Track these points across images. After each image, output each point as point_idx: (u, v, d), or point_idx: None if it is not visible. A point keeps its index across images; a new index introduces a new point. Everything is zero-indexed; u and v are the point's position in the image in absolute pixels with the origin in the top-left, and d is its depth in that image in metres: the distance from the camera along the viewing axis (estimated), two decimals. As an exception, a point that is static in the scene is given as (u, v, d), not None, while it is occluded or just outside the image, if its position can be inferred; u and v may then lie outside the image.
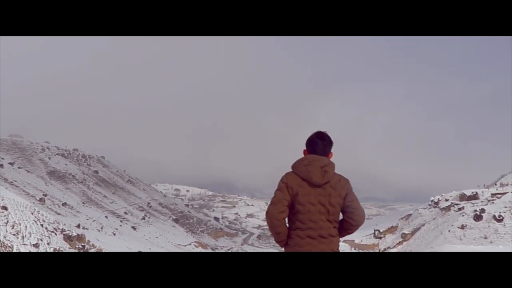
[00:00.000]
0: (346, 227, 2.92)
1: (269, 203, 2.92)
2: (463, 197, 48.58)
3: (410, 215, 54.87)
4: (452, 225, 42.24)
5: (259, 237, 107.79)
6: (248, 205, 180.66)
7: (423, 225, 48.25)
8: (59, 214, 53.33)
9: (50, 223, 32.74)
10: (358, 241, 52.73)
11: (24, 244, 25.17)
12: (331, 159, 2.96)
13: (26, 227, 27.81)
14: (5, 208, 28.24)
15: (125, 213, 75.68)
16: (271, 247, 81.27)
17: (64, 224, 36.92)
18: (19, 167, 70.18)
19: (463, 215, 42.91)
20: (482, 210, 42.18)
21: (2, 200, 29.28)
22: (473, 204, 45.62)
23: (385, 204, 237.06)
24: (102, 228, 57.29)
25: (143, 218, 77.47)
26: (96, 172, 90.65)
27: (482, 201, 45.91)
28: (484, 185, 57.54)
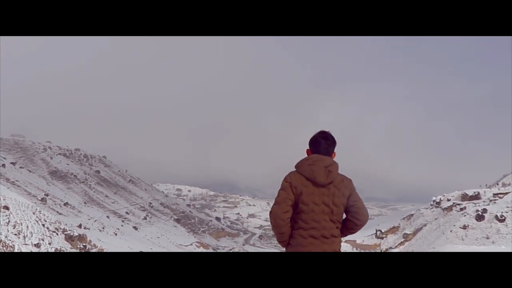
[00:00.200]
0: (349, 227, 2.92)
1: (271, 203, 2.91)
2: (465, 197, 48.52)
3: (412, 215, 54.84)
4: (454, 225, 42.17)
5: (260, 237, 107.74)
6: (249, 205, 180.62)
7: (425, 225, 48.20)
8: (60, 214, 53.43)
9: (52, 223, 32.79)
10: (360, 241, 52.69)
11: (26, 244, 25.22)
12: (334, 159, 2.96)
13: (27, 227, 27.86)
14: (6, 208, 28.29)
15: (127, 213, 75.79)
16: (273, 247, 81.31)
17: (66, 224, 36.97)
18: (21, 167, 70.33)
19: (465, 215, 42.84)
20: (484, 210, 42.10)
21: (3, 200, 29.34)
22: (475, 204, 45.55)
23: (387, 204, 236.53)
24: (103, 228, 57.40)
25: (145, 218, 77.56)
26: (98, 172, 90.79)
27: (484, 201, 45.84)
28: (486, 185, 57.50)
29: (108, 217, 66.19)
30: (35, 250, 25.10)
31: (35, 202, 46.79)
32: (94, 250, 35.65)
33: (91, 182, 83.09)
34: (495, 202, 44.16)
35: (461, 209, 45.18)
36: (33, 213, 31.38)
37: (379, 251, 49.35)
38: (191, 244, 70.10)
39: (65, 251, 28.55)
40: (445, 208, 48.09)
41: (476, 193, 48.49)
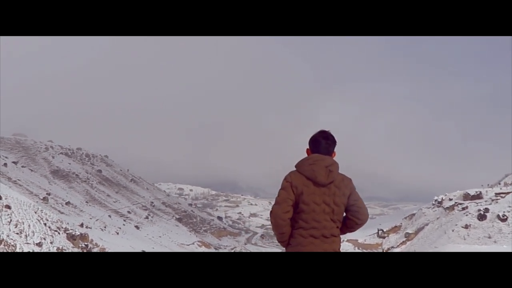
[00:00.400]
0: (349, 226, 2.92)
1: (273, 202, 2.90)
2: (467, 197, 48.47)
3: (414, 214, 54.81)
4: (456, 225, 42.13)
5: (262, 236, 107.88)
6: (251, 204, 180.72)
7: (427, 224, 48.17)
8: (62, 213, 53.52)
9: (54, 222, 32.84)
10: (361, 240, 52.71)
11: (27, 243, 25.27)
12: (334, 159, 2.95)
13: (29, 226, 27.91)
14: (8, 207, 28.35)
15: (129, 212, 75.90)
16: (275, 246, 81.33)
17: (68, 223, 37.01)
18: (22, 166, 70.48)
19: (467, 215, 42.80)
20: (486, 210, 42.06)
21: (5, 199, 29.39)
22: (477, 203, 45.50)
23: (389, 204, 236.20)
24: (105, 227, 57.49)
25: (147, 217, 77.65)
26: (100, 171, 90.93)
27: (486, 201, 45.80)
28: (488, 184, 57.41)
29: (110, 216, 66.28)
30: (37, 249, 25.15)
31: (37, 201, 46.87)
32: (96, 249, 35.71)
33: (93, 181, 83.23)
34: (497, 202, 44.11)
35: (463, 209, 45.14)
36: (35, 212, 31.43)
37: (381, 250, 49.33)
38: (193, 243, 70.16)
39: (67, 250, 28.60)
40: (447, 208, 48.05)
41: (478, 193, 48.43)
